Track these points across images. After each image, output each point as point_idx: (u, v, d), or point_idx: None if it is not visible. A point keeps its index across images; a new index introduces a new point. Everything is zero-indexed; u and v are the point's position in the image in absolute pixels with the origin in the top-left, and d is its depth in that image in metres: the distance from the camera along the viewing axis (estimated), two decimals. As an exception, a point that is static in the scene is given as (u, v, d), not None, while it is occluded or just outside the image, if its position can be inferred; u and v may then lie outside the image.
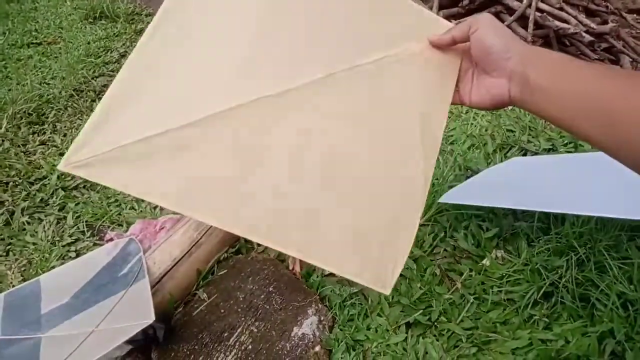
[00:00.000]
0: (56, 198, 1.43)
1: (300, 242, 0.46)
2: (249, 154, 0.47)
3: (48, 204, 1.41)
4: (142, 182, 0.43)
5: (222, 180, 0.45)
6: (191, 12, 0.49)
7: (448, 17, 2.12)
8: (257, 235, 0.45)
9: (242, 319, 0.92)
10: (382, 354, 0.86)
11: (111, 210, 1.34)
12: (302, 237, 0.46)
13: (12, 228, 1.32)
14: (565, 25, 1.79)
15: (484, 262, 0.99)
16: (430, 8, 2.08)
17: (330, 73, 0.50)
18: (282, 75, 0.49)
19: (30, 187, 1.48)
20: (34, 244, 1.25)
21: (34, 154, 1.66)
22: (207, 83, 0.47)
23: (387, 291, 0.46)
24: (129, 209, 1.34)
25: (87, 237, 1.27)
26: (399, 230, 0.48)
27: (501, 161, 1.27)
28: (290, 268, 1.04)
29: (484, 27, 0.48)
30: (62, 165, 0.42)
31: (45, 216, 1.36)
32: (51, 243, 1.25)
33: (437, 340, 0.87)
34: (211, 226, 1.05)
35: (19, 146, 1.70)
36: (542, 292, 0.90)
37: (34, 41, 2.81)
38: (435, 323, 0.89)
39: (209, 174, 0.45)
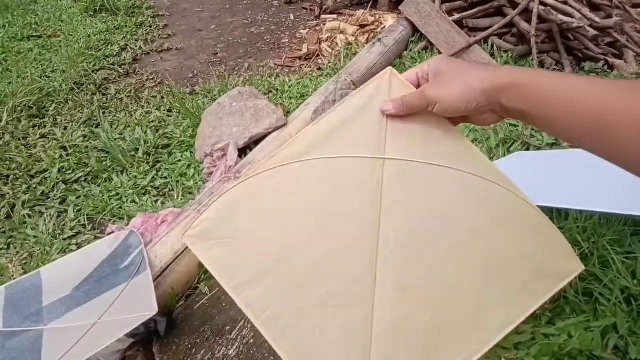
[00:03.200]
0: (57, 191, 1.42)
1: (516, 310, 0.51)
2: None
3: (49, 197, 1.41)
4: None
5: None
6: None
7: (451, 11, 2.10)
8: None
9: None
10: (384, 347, 0.85)
11: (112, 204, 1.34)
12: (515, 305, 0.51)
13: (13, 221, 1.31)
14: (569, 19, 1.78)
15: (486, 256, 0.98)
16: (433, 1, 2.06)
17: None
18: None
19: (30, 181, 1.47)
20: (34, 237, 1.25)
21: (35, 147, 1.66)
22: None
23: (582, 266, 0.51)
24: (130, 202, 1.34)
25: (88, 231, 1.27)
26: (550, 245, 0.52)
27: (504, 155, 1.26)
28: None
29: (440, 102, 0.48)
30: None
31: (46, 209, 1.36)
32: (52, 236, 1.24)
33: (440, 334, 0.87)
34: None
35: (19, 139, 1.70)
36: (545, 286, 0.89)
37: (34, 34, 2.80)
38: (438, 317, 0.89)
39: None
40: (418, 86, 0.52)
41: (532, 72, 0.44)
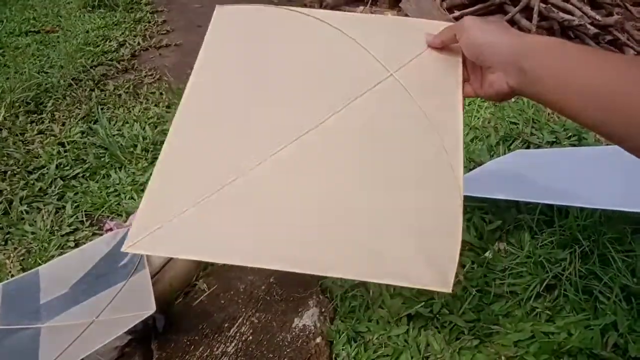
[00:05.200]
0: (55, 187, 1.41)
1: (366, 268, 0.48)
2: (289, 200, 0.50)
3: (47, 194, 1.40)
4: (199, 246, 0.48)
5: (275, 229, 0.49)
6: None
7: (451, 8, 2.10)
8: (321, 270, 0.48)
9: (243, 309, 0.92)
10: (383, 345, 0.85)
11: (110, 200, 1.33)
12: (367, 263, 0.48)
13: (11, 217, 1.31)
14: (569, 17, 1.78)
15: (486, 254, 0.98)
16: (434, -2, 2.05)
17: (340, 109, 0.55)
18: (298, 123, 0.54)
19: (28, 177, 1.47)
20: (32, 233, 1.24)
21: (32, 143, 1.65)
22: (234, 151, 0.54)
23: (450, 289, 0.48)
24: (128, 199, 1.33)
25: (86, 227, 1.26)
26: (445, 233, 0.50)
27: (504, 153, 1.26)
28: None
29: (468, 32, 0.50)
30: (125, 247, 0.48)
31: (44, 205, 1.35)
32: (50, 232, 1.24)
33: (439, 332, 0.87)
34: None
35: (17, 135, 1.69)
36: (545, 284, 0.89)
37: (32, 29, 2.78)
38: (437, 315, 0.88)
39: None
40: None
41: (562, 41, 0.44)
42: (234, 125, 0.55)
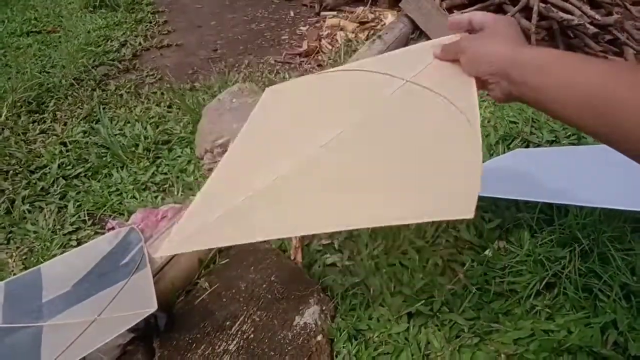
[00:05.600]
0: (57, 187, 1.42)
1: (387, 212, 0.53)
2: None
3: (49, 193, 1.41)
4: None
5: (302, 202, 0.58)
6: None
7: (451, 8, 2.10)
8: (350, 225, 0.54)
9: (244, 308, 0.92)
10: (384, 343, 0.86)
11: (112, 199, 1.34)
12: (384, 209, 0.53)
13: (13, 216, 1.31)
14: (569, 16, 1.78)
15: (486, 252, 0.99)
16: (434, -2, 2.06)
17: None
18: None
19: (30, 176, 1.47)
20: (34, 232, 1.25)
21: (34, 143, 1.66)
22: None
23: (472, 215, 0.48)
24: (130, 198, 1.34)
25: (88, 226, 1.27)
26: (467, 171, 0.52)
27: (504, 152, 1.26)
28: (292, 258, 1.04)
29: (466, 53, 0.54)
30: (160, 253, 0.60)
31: (46, 205, 1.36)
32: (52, 232, 1.24)
33: (439, 330, 0.87)
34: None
35: (19, 135, 1.70)
36: (544, 283, 0.89)
37: (34, 29, 2.79)
38: (437, 313, 0.89)
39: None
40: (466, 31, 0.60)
41: (563, 52, 0.46)
42: (276, 149, 0.68)
